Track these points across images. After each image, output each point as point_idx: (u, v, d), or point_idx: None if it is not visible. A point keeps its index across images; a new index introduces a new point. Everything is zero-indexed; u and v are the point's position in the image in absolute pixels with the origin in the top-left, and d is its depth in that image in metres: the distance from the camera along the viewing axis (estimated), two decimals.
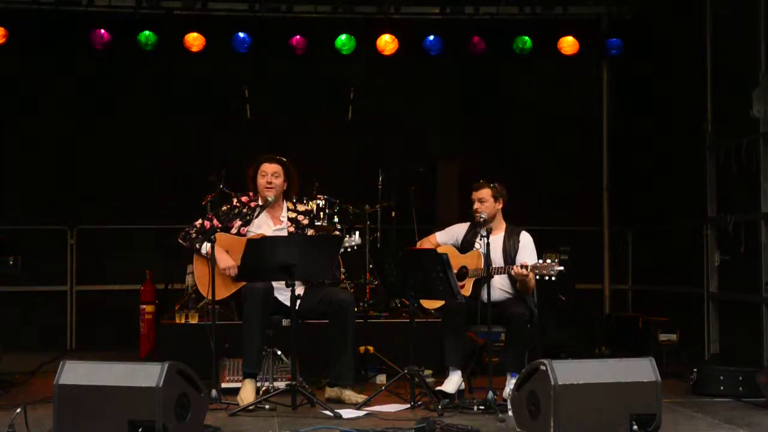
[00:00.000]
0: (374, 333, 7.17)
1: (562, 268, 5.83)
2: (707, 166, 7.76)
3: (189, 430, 4.71)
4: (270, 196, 6.22)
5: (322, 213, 7.71)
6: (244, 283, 5.97)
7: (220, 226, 6.19)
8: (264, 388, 6.10)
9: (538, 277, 5.91)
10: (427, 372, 6.69)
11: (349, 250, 6.29)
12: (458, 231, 6.42)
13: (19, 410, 4.70)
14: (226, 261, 6.03)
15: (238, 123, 8.72)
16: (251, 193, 6.34)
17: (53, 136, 9.16)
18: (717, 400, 6.29)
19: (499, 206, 6.27)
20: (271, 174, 6.22)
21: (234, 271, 5.98)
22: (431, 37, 9.04)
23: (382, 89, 9.23)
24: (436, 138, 9.51)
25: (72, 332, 9.18)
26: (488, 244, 5.79)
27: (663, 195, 8.66)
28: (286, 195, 6.36)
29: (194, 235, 6.19)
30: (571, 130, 9.59)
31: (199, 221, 6.26)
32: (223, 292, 6.07)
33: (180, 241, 6.23)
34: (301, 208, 6.46)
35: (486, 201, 6.20)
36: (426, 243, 6.45)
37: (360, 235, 6.46)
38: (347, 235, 6.33)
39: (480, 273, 6.05)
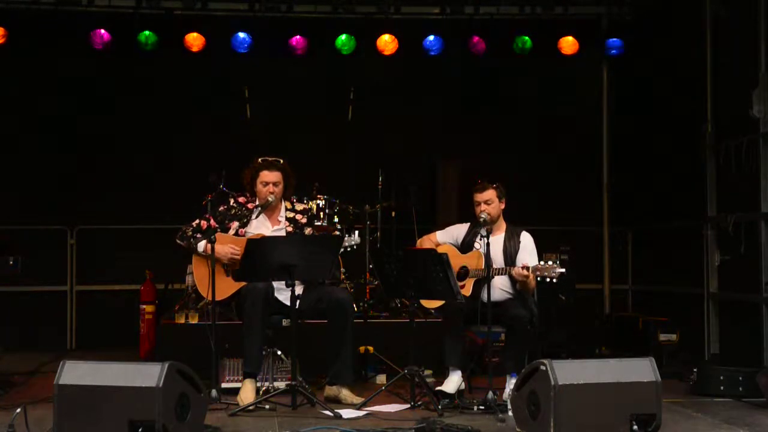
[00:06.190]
0: (374, 333, 7.16)
1: (563, 270, 5.81)
2: (707, 166, 7.76)
3: (189, 430, 4.71)
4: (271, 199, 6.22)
5: (322, 213, 7.70)
6: (244, 283, 5.97)
7: (217, 226, 6.18)
8: (264, 388, 6.11)
9: (539, 278, 5.91)
10: (427, 372, 6.68)
11: (348, 249, 6.28)
12: (458, 231, 6.41)
13: (19, 410, 4.70)
14: (226, 248, 6.02)
15: (238, 123, 8.73)
16: (248, 194, 6.34)
17: (53, 136, 9.15)
18: (717, 400, 6.29)
19: (503, 206, 6.27)
20: (272, 183, 6.21)
21: (237, 252, 5.96)
22: (431, 37, 9.04)
23: (382, 89, 9.23)
24: (436, 138, 9.50)
25: (72, 332, 9.19)
26: (488, 245, 5.79)
27: (663, 195, 8.65)
28: (284, 195, 6.35)
29: (191, 234, 6.19)
30: (571, 130, 9.59)
31: (197, 221, 6.26)
32: (223, 292, 6.07)
33: (177, 241, 6.23)
34: (299, 207, 6.45)
35: (492, 202, 6.19)
36: (426, 242, 6.44)
37: (360, 235, 6.45)
38: (347, 235, 6.33)
39: (480, 273, 6.04)
